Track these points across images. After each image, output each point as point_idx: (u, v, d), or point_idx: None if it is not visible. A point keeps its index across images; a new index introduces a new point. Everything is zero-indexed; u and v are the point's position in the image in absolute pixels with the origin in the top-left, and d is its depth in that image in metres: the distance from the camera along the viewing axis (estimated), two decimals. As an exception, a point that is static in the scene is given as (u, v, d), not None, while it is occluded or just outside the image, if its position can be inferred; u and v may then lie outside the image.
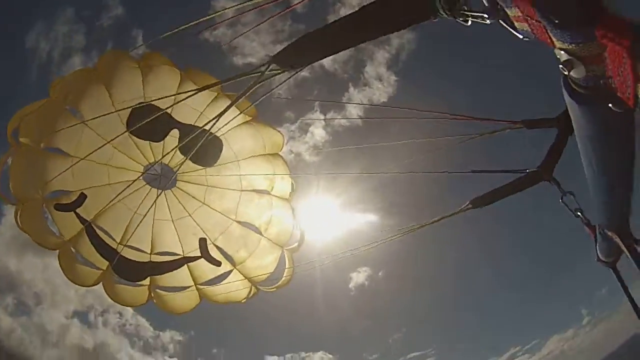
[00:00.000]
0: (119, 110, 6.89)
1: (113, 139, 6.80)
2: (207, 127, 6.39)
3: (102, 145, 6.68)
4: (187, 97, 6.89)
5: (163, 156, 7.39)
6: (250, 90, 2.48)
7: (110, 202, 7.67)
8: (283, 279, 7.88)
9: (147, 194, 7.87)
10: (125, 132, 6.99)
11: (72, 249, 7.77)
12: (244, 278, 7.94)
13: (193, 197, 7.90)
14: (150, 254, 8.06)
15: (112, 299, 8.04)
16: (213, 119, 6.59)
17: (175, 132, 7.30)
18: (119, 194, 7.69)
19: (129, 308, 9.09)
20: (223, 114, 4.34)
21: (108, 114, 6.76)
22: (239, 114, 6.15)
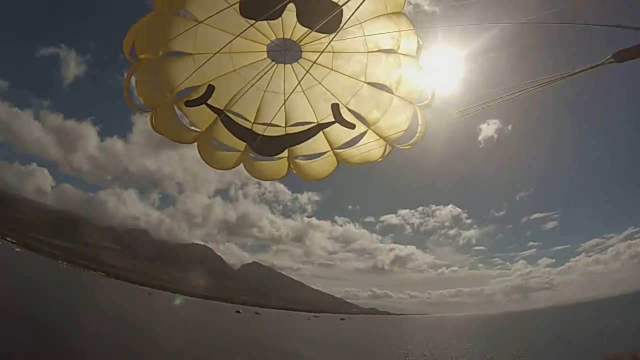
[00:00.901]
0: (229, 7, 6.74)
1: (237, 36, 6.84)
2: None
3: (230, 42, 6.81)
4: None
5: (302, 36, 7.22)
6: None
7: (243, 88, 7.93)
8: (416, 135, 7.91)
9: (275, 71, 7.94)
10: (250, 26, 6.88)
11: (209, 138, 8.23)
12: (378, 137, 8.07)
13: (320, 65, 7.79)
14: (285, 126, 8.33)
15: (254, 176, 8.59)
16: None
17: (291, 6, 7.03)
18: (254, 80, 7.91)
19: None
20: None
21: (222, 10, 6.64)
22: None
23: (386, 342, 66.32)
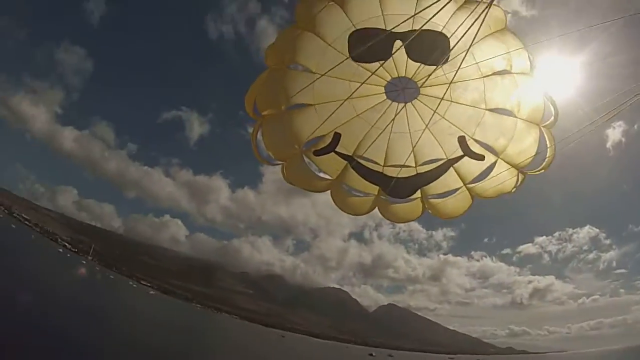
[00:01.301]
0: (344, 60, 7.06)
1: (362, 83, 7.18)
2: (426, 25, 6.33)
3: (356, 89, 7.12)
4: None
5: (429, 77, 7.20)
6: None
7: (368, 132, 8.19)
8: (547, 158, 7.52)
9: (397, 111, 8.08)
10: (372, 74, 7.25)
11: (341, 185, 8.49)
12: (509, 166, 7.80)
13: (439, 98, 7.64)
14: (416, 166, 8.36)
15: (389, 219, 8.66)
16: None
17: (398, 43, 7.15)
18: (379, 123, 8.17)
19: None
20: None
21: (339, 64, 6.89)
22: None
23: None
